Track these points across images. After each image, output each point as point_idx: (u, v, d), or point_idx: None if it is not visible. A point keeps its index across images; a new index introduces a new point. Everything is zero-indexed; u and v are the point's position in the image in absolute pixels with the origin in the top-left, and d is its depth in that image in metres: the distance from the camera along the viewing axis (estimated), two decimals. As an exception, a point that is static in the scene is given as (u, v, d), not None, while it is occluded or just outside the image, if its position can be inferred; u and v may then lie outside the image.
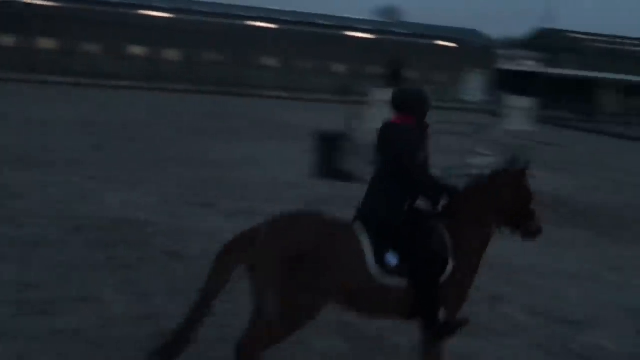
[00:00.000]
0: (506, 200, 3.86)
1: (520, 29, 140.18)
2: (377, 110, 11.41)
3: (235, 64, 43.29)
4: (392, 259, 3.59)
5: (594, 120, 34.57)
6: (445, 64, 48.93)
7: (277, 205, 8.51)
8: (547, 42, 48.99)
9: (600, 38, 65.71)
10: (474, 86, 44.98)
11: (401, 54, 43.32)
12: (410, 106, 3.83)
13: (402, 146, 3.71)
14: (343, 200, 9.43)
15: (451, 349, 3.89)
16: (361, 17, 72.61)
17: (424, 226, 3.74)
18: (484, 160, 14.33)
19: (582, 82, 49.59)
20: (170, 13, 43.24)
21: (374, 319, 4.04)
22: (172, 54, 42.74)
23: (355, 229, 3.67)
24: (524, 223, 3.96)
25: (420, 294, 3.58)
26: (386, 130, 3.87)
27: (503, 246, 7.20)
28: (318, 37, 47.49)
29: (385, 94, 11.92)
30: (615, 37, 64.39)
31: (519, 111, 14.12)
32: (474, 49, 53.72)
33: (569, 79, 49.66)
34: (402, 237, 3.64)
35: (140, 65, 39.89)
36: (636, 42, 68.18)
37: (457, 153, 16.14)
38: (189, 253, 6.12)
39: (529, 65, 53.14)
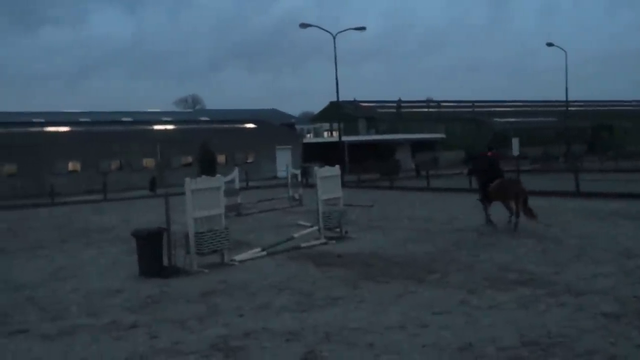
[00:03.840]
0: None
1: (316, 103, 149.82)
2: (194, 199, 11.30)
3: (33, 172, 40.52)
4: None
5: (395, 177, 37.39)
6: (249, 144, 50.40)
7: (99, 318, 7.94)
8: (341, 112, 52.96)
9: (386, 104, 72.56)
10: (283, 162, 46.74)
11: (207, 140, 43.75)
12: (491, 148, 16.78)
13: (498, 161, 15.83)
14: (172, 298, 9.10)
15: None
16: (163, 110, 72.87)
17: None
18: (306, 231, 14.81)
19: (378, 144, 53.99)
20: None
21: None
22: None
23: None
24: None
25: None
26: (493, 157, 15.74)
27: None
28: (122, 134, 46.47)
29: (200, 183, 11.87)
30: (399, 101, 71.49)
31: (327, 180, 14.86)
32: (274, 127, 56.21)
33: (367, 143, 53.84)
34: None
35: None
36: (417, 104, 76.33)
37: (284, 227, 16.60)
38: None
39: (329, 135, 56.76)
